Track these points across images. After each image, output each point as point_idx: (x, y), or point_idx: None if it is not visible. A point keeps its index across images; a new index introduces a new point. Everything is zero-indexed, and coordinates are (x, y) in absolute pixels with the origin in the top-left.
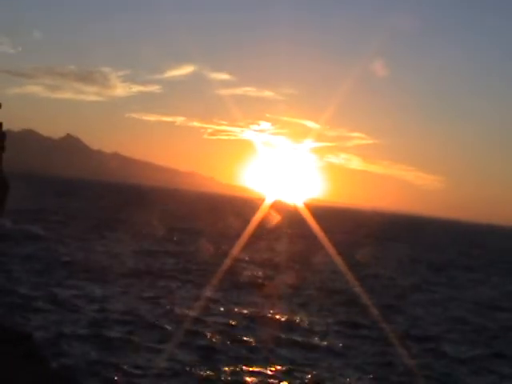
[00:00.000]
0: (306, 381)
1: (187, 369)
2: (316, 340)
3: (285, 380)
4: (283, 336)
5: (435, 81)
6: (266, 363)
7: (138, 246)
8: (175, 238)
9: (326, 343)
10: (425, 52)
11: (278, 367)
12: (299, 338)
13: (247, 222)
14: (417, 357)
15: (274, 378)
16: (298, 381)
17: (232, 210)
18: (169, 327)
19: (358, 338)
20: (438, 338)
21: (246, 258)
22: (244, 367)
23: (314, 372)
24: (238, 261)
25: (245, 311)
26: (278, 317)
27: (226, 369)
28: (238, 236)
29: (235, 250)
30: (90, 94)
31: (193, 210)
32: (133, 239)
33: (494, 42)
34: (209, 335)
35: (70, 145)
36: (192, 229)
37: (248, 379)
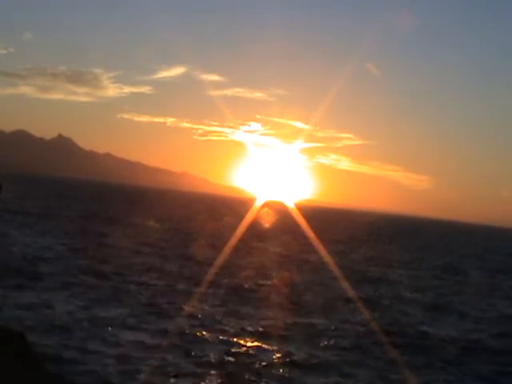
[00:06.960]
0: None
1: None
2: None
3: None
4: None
5: (424, 82)
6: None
7: (135, 246)
8: (171, 238)
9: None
10: (414, 53)
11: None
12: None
13: (240, 222)
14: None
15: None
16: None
17: (226, 210)
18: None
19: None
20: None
21: (240, 258)
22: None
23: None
24: (231, 261)
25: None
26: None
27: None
28: (232, 236)
29: (228, 250)
30: (81, 94)
31: (187, 210)
32: (128, 239)
33: (485, 45)
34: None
35: (62, 145)
36: (187, 229)
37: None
